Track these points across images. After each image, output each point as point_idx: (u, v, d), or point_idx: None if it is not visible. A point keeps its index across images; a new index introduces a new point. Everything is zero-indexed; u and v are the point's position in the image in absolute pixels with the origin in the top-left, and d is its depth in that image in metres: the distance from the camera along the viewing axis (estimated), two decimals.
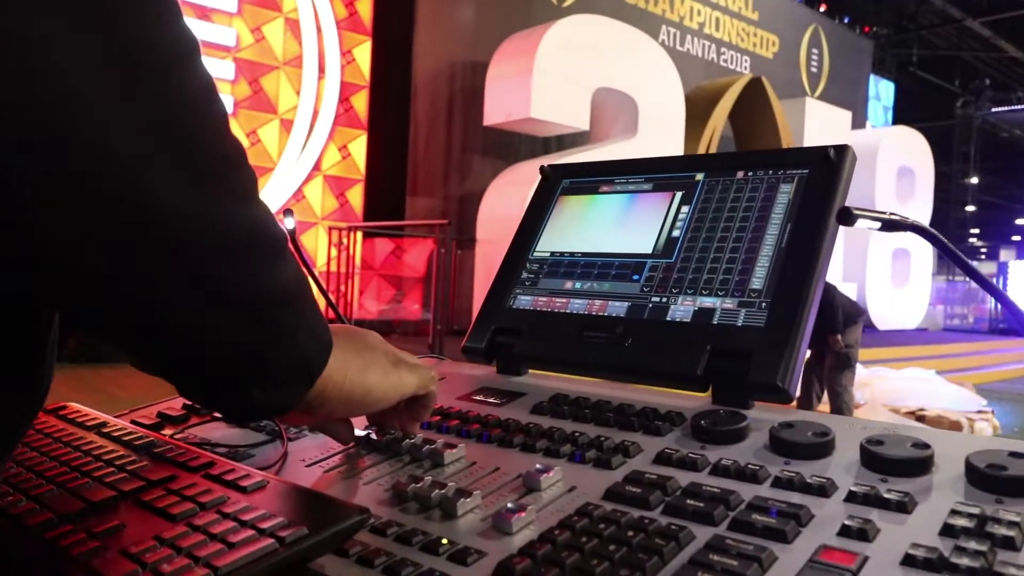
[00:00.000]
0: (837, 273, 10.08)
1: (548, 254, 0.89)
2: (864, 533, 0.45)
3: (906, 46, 19.14)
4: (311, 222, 8.02)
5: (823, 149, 0.75)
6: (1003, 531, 0.43)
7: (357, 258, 8.05)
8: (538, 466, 0.57)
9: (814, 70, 14.17)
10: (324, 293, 0.99)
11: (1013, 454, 0.51)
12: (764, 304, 0.71)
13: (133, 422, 0.75)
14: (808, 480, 0.52)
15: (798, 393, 0.72)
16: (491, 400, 0.77)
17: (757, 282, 0.73)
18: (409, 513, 0.54)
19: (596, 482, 0.56)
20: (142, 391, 0.85)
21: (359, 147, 8.35)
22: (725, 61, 12.52)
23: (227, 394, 0.48)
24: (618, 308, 0.79)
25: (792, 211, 0.75)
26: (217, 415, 0.76)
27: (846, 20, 16.16)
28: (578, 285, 0.84)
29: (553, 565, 0.44)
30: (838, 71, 14.63)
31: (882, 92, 18.49)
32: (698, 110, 9.55)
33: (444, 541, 0.48)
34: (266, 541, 0.44)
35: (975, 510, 0.46)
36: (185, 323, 0.42)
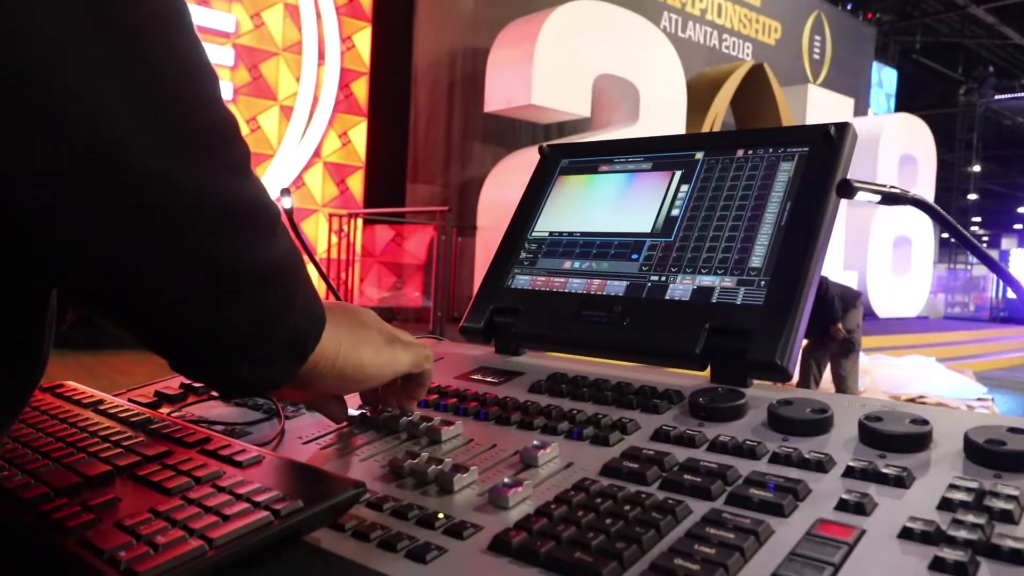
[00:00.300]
0: (838, 261, 10.07)
1: (547, 234, 0.89)
2: (862, 507, 0.45)
3: (909, 33, 19.02)
4: (312, 209, 8.01)
5: (824, 126, 0.75)
6: (1001, 504, 0.43)
7: (357, 245, 8.04)
8: (535, 442, 0.57)
9: (816, 57, 14.09)
10: (326, 280, 0.98)
11: (1012, 429, 0.51)
12: (763, 282, 0.71)
13: (130, 400, 0.74)
14: (806, 456, 0.52)
15: (797, 372, 0.72)
16: (489, 379, 0.77)
17: (756, 260, 0.72)
18: (406, 489, 0.53)
19: (593, 458, 0.56)
20: (144, 378, 0.84)
21: (359, 134, 8.32)
22: (727, 48, 12.45)
23: (216, 369, 0.47)
24: (617, 287, 0.79)
25: (792, 189, 0.74)
26: (215, 394, 0.76)
27: (849, 6, 16.06)
28: (577, 265, 0.84)
29: (549, 538, 0.44)
30: (841, 58, 14.55)
31: (885, 79, 18.39)
32: (700, 97, 9.50)
33: (440, 515, 0.48)
34: (261, 514, 0.44)
35: (973, 484, 0.46)
36: (171, 297, 0.42)
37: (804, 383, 5.25)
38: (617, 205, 0.86)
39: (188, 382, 0.79)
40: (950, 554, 0.39)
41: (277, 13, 7.75)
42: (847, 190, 0.58)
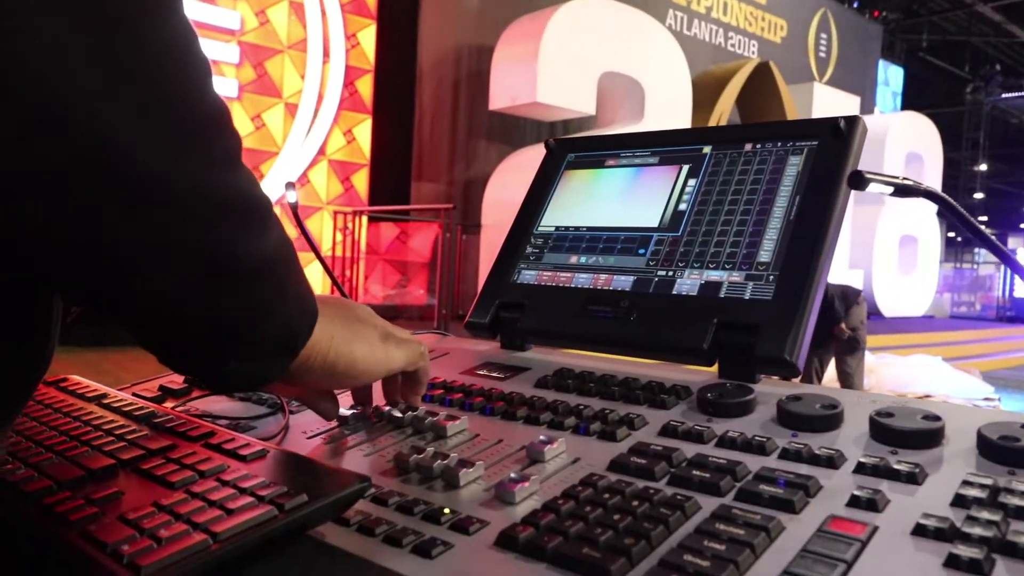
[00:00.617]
0: (843, 259, 10.04)
1: (553, 228, 0.88)
2: (873, 503, 0.44)
3: (916, 31, 18.94)
4: (316, 207, 8.01)
5: (833, 120, 0.74)
6: (1016, 501, 0.43)
7: (362, 243, 8.04)
8: (542, 437, 0.56)
9: (822, 55, 14.04)
10: (332, 277, 0.98)
11: None
12: (772, 277, 0.70)
13: (134, 395, 0.74)
14: (816, 452, 0.51)
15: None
16: (495, 374, 0.76)
17: (765, 255, 0.72)
18: (411, 483, 0.53)
19: (601, 454, 0.55)
20: (149, 374, 0.84)
21: (364, 131, 8.31)
22: (732, 45, 12.41)
23: (205, 363, 0.46)
24: (623, 282, 0.78)
25: (801, 183, 0.74)
26: None
27: (855, 4, 16.00)
28: (583, 259, 0.83)
29: (556, 534, 0.43)
30: (847, 56, 14.49)
31: (891, 77, 18.33)
32: (705, 95, 9.48)
33: (446, 511, 0.48)
34: (265, 508, 0.44)
35: (987, 481, 0.45)
36: (158, 290, 0.41)
37: (807, 380, 5.24)
38: (624, 200, 0.85)
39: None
40: (965, 551, 0.38)
41: (282, 11, 7.75)
42: (859, 181, 0.57)
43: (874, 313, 10.67)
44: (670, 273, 0.76)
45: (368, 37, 8.31)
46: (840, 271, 8.96)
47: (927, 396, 5.97)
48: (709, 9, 11.99)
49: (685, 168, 0.83)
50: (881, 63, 16.83)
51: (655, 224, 0.80)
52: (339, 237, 7.75)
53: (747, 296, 0.70)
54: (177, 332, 0.44)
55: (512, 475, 0.50)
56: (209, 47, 7.13)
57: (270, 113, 7.71)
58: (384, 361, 0.60)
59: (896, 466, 0.48)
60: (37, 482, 0.49)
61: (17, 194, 0.36)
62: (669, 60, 8.51)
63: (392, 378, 0.66)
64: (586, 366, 0.74)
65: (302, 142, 7.91)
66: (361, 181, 8.36)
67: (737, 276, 0.72)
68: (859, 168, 0.74)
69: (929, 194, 0.59)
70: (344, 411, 0.65)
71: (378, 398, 0.68)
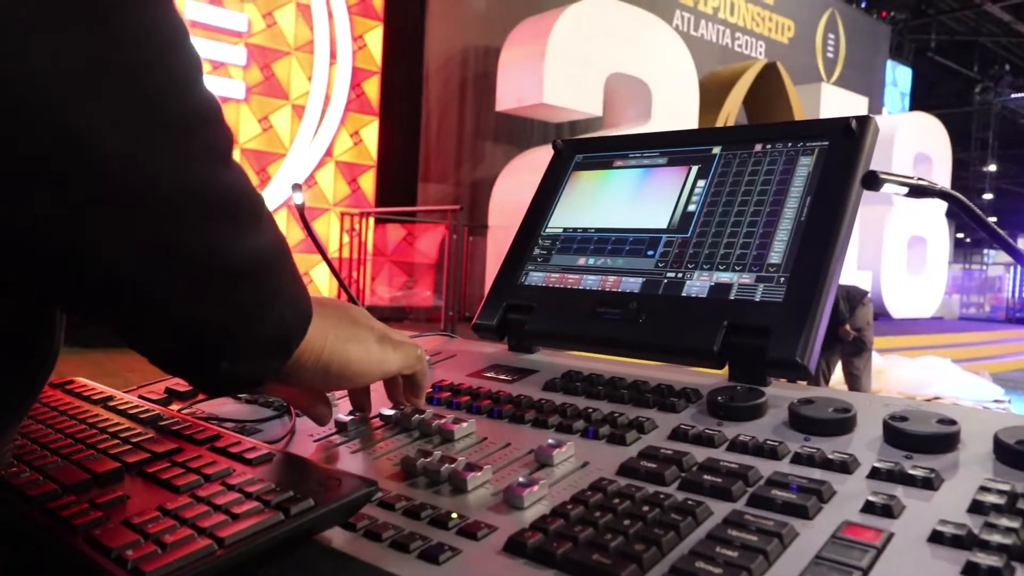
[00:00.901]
0: (852, 260, 9.99)
1: (561, 230, 0.88)
2: (889, 509, 0.44)
3: (924, 31, 18.85)
4: (323, 208, 8.02)
5: (844, 120, 0.73)
6: None
7: (369, 244, 8.04)
8: (550, 441, 0.56)
9: (830, 55, 13.99)
10: (339, 279, 0.98)
11: None
12: (783, 279, 0.69)
13: (141, 397, 0.74)
14: (829, 456, 0.51)
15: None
16: (502, 377, 0.76)
17: (775, 256, 0.71)
18: (418, 488, 0.52)
19: (610, 458, 0.55)
20: (157, 375, 0.84)
21: (371, 133, 8.32)
22: (740, 46, 12.38)
23: (194, 365, 0.45)
24: (632, 284, 0.78)
25: (812, 184, 0.73)
26: None
27: (863, 5, 15.94)
28: (591, 261, 0.83)
29: (566, 540, 0.43)
30: (855, 56, 14.44)
31: (899, 78, 18.24)
32: (712, 96, 9.46)
33: (454, 515, 0.47)
34: (271, 513, 0.43)
35: (1005, 487, 0.44)
36: (141, 290, 0.40)
37: (813, 382, 5.21)
38: (632, 201, 0.84)
39: None
40: (984, 559, 0.37)
41: (289, 12, 7.77)
42: (874, 182, 0.56)
43: (883, 314, 10.62)
44: (679, 275, 0.75)
45: (375, 39, 8.33)
46: (849, 272, 8.92)
47: (936, 398, 5.94)
48: (716, 10, 11.97)
49: (694, 169, 0.82)
50: (889, 63, 16.76)
51: (664, 225, 0.80)
52: (346, 239, 7.76)
53: (757, 298, 0.69)
54: (163, 334, 0.43)
55: (520, 479, 0.50)
56: (216, 49, 7.16)
57: (277, 115, 7.73)
58: (379, 363, 0.59)
59: (911, 471, 0.47)
60: (42, 486, 0.49)
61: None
62: (676, 61, 8.50)
63: (394, 381, 0.65)
64: (595, 369, 0.74)
65: (309, 144, 7.93)
66: (368, 182, 8.37)
67: (747, 278, 0.71)
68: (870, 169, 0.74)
69: (944, 194, 0.58)
70: (343, 417, 0.64)
71: (384, 401, 0.67)
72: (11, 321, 0.45)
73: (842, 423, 0.55)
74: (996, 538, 0.39)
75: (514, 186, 7.32)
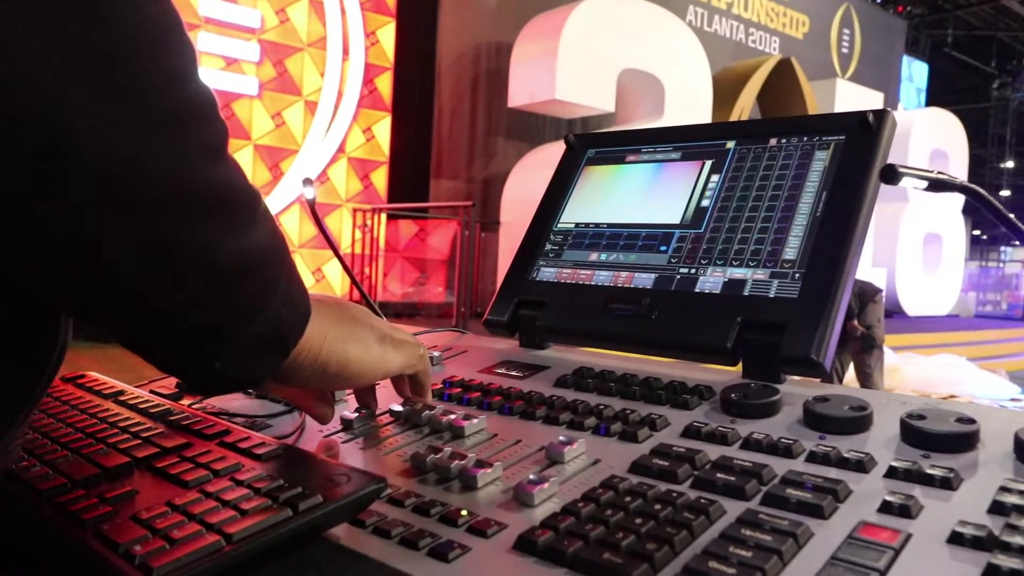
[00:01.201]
0: (867, 258, 9.92)
1: (573, 225, 0.87)
2: (907, 509, 0.43)
3: (941, 26, 18.66)
4: (336, 204, 8.04)
5: (861, 114, 0.72)
6: None
7: (381, 240, 8.06)
8: (561, 438, 0.55)
9: (845, 51, 13.87)
10: (351, 276, 0.97)
11: None
12: (798, 275, 0.68)
13: (152, 391, 0.74)
14: (845, 455, 0.50)
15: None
16: (513, 373, 0.75)
17: (790, 252, 0.70)
18: (428, 484, 0.52)
19: (622, 455, 0.54)
20: None
21: (383, 129, 8.33)
22: (753, 42, 12.29)
23: (188, 364, 0.45)
24: (645, 280, 0.77)
25: (828, 178, 0.72)
26: None
27: (878, 0, 15.80)
28: (603, 256, 0.82)
29: (577, 538, 0.42)
30: (870, 52, 14.30)
31: (915, 73, 18.07)
32: (726, 92, 9.40)
33: (463, 512, 0.47)
34: (279, 509, 0.43)
35: None
36: (131, 288, 0.39)
37: (828, 380, 5.18)
38: (645, 196, 0.84)
39: None
40: (1005, 561, 0.36)
41: (302, 9, 7.78)
42: (892, 176, 0.55)
43: (898, 312, 10.54)
44: (693, 271, 0.75)
45: (387, 35, 8.33)
46: (863, 269, 8.85)
47: (952, 396, 5.88)
48: (730, 5, 11.89)
49: (708, 163, 0.81)
50: (905, 59, 16.60)
51: (677, 221, 0.79)
52: (358, 235, 7.77)
53: (772, 294, 0.69)
54: (156, 333, 0.42)
55: (531, 476, 0.49)
56: (230, 45, 7.18)
57: (290, 111, 7.74)
58: (379, 363, 0.58)
59: (929, 471, 0.46)
60: (52, 480, 0.49)
61: None
62: (689, 57, 8.45)
63: (400, 378, 0.65)
64: (606, 365, 0.73)
65: (322, 140, 7.94)
66: (380, 178, 8.38)
67: (762, 274, 0.70)
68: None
69: (965, 188, 0.57)
70: (349, 414, 0.64)
71: (394, 397, 0.67)
72: (15, 316, 0.45)
73: (858, 421, 0.54)
74: (1017, 540, 0.38)
75: (526, 182, 7.31)
